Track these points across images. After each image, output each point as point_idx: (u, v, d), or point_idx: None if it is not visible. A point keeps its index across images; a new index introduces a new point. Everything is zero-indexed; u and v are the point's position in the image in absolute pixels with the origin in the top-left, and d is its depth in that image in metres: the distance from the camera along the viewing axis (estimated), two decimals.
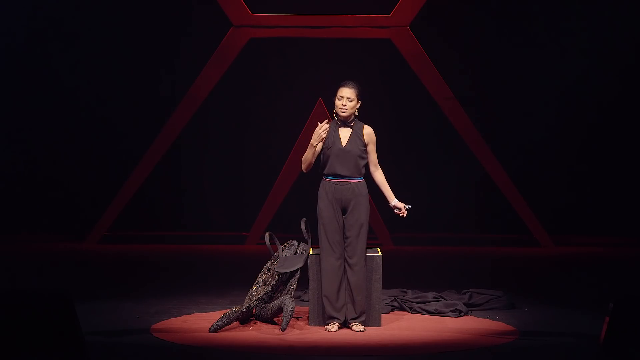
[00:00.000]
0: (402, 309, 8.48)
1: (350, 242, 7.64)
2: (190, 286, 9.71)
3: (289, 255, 7.95)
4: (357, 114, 7.73)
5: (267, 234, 8.19)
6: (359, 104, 7.72)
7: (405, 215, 7.76)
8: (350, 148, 7.64)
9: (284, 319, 7.48)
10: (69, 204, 13.73)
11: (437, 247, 13.24)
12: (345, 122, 7.71)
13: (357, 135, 7.68)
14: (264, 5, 13.29)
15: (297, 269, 7.79)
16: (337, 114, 7.71)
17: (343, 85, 7.68)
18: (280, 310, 7.67)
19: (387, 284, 8.20)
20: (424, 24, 13.23)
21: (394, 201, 7.79)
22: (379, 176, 7.80)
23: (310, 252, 7.85)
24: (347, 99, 7.65)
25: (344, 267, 7.66)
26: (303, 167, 7.77)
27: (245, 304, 7.71)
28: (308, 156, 7.69)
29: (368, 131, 7.73)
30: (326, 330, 7.62)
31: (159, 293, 9.22)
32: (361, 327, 7.64)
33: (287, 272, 7.79)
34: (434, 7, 13.26)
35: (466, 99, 13.37)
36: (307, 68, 13.57)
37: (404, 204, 7.76)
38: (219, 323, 7.51)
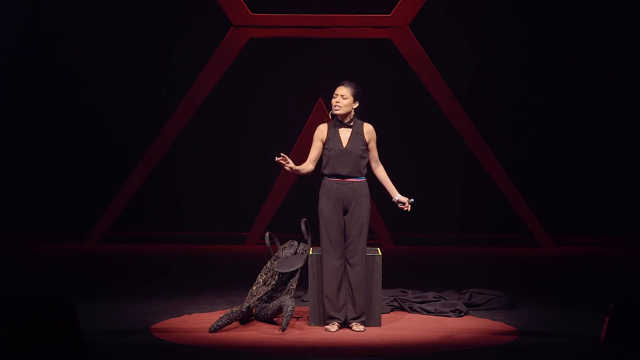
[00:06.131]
0: (402, 309, 8.48)
1: (351, 242, 7.65)
2: (190, 286, 9.71)
3: (289, 255, 7.95)
4: (354, 113, 7.75)
5: (267, 234, 8.20)
6: (356, 104, 7.73)
7: (409, 209, 7.77)
8: (351, 149, 7.66)
9: (284, 319, 7.48)
10: (69, 204, 13.73)
11: (437, 247, 13.24)
12: (345, 123, 7.72)
13: (357, 135, 7.69)
14: (264, 5, 13.30)
15: (297, 269, 7.79)
16: (333, 114, 7.74)
17: (339, 84, 7.73)
18: (280, 310, 7.68)
19: (387, 284, 8.20)
20: (424, 24, 13.23)
21: (397, 196, 7.80)
22: (380, 172, 7.82)
23: (310, 252, 7.86)
24: (341, 96, 7.69)
25: (345, 266, 7.67)
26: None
27: (245, 304, 7.71)
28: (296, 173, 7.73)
29: (368, 129, 7.74)
30: (326, 330, 7.62)
31: (159, 293, 9.22)
32: (361, 327, 7.65)
33: (287, 272, 7.79)
34: (434, 7, 13.26)
35: (465, 98, 13.37)
36: (307, 68, 13.57)
37: (408, 198, 7.78)
38: (219, 323, 7.51)
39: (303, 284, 8.10)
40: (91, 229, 13.31)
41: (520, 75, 13.68)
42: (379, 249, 8.04)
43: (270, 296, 7.81)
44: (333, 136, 7.70)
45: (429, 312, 8.35)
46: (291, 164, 7.56)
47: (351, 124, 7.74)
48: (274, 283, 7.79)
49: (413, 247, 13.19)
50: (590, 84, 13.66)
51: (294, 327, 7.68)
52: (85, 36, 13.56)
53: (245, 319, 7.79)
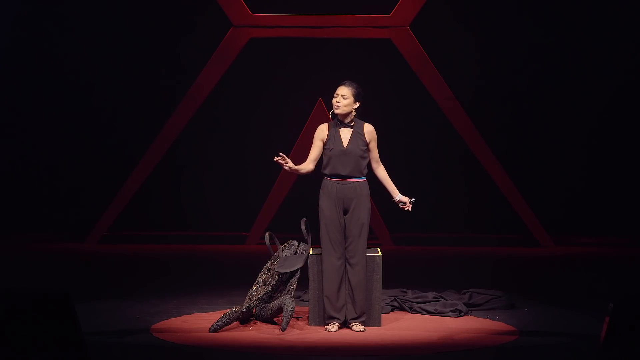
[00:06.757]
0: (402, 309, 8.48)
1: (351, 242, 7.65)
2: (191, 286, 9.71)
3: (289, 255, 7.96)
4: (354, 114, 7.75)
5: (267, 234, 8.20)
6: (357, 104, 7.73)
7: (410, 208, 7.78)
8: (352, 149, 7.66)
9: (284, 319, 7.48)
10: (69, 204, 13.73)
11: (437, 247, 13.25)
12: (345, 123, 7.73)
13: (358, 135, 7.70)
14: (264, 5, 13.30)
15: (297, 269, 7.79)
16: (333, 114, 7.75)
17: (341, 84, 7.74)
18: (280, 310, 7.68)
19: (387, 284, 8.20)
20: (424, 24, 13.23)
21: (398, 196, 7.80)
22: (381, 172, 7.82)
23: (310, 252, 7.86)
24: (341, 96, 7.70)
25: (345, 266, 7.67)
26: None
27: (245, 304, 7.71)
28: (296, 172, 7.72)
29: (369, 129, 7.75)
30: (326, 330, 7.62)
31: (159, 293, 9.22)
32: (361, 327, 7.65)
33: (287, 272, 7.79)
34: (434, 7, 13.26)
35: (465, 98, 13.37)
36: (307, 68, 13.57)
37: (409, 198, 7.78)
38: (219, 323, 7.51)
39: (303, 284, 8.10)
40: (91, 229, 13.31)
41: (520, 75, 13.67)
42: (379, 249, 8.04)
43: (270, 296, 7.81)
44: (333, 136, 7.70)
45: (429, 312, 8.35)
46: (290, 164, 7.56)
47: (352, 124, 7.74)
48: (274, 283, 7.79)
49: (413, 247, 13.19)
50: (590, 84, 13.66)
51: (294, 327, 7.68)
52: (85, 36, 13.56)
53: (245, 319, 7.79)
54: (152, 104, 13.66)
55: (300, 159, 7.93)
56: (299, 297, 8.69)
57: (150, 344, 7.14)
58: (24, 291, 5.81)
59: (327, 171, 7.72)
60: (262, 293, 7.77)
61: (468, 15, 13.65)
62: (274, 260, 7.99)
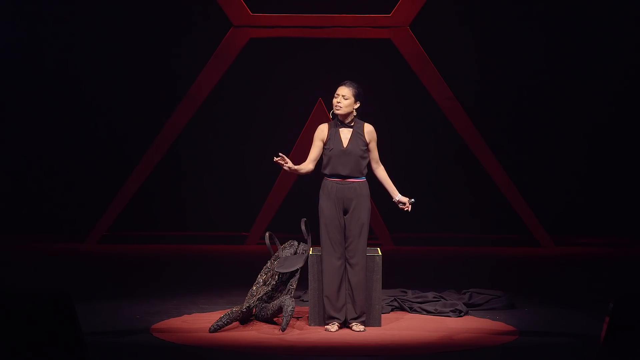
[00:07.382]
0: (402, 309, 8.48)
1: (351, 242, 7.65)
2: (191, 286, 9.71)
3: (289, 255, 7.96)
4: (355, 114, 7.75)
5: (267, 234, 8.20)
6: (358, 104, 7.73)
7: (409, 209, 7.78)
8: (352, 149, 7.66)
9: (284, 319, 7.48)
10: (69, 204, 13.72)
11: (437, 247, 13.24)
12: (345, 123, 7.73)
13: (358, 135, 7.70)
14: (264, 5, 13.30)
15: (297, 269, 7.79)
16: (333, 114, 7.75)
17: (341, 84, 7.74)
18: (280, 310, 7.68)
19: (387, 284, 8.20)
20: (424, 24, 13.23)
21: (397, 196, 7.81)
22: (381, 172, 7.82)
23: (310, 252, 7.86)
24: (342, 96, 7.70)
25: (345, 267, 7.67)
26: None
27: (245, 304, 7.71)
28: (295, 172, 7.72)
29: (369, 129, 7.75)
30: (326, 330, 7.62)
31: (159, 293, 9.22)
32: (361, 327, 7.65)
33: (287, 272, 7.79)
34: (434, 7, 13.26)
35: (466, 98, 13.37)
36: (307, 68, 13.57)
37: (408, 198, 7.78)
38: (219, 323, 7.51)
39: (303, 284, 8.10)
40: (91, 229, 13.31)
41: (520, 75, 13.67)
42: (379, 249, 8.04)
43: (270, 296, 7.81)
44: (333, 136, 7.71)
45: (429, 312, 8.35)
46: (290, 164, 7.56)
47: (352, 124, 7.74)
48: (274, 283, 7.79)
49: (413, 247, 13.19)
50: (590, 84, 13.65)
51: (294, 327, 7.68)
52: (85, 36, 13.55)
53: (245, 319, 7.79)
54: (152, 104, 13.66)
55: (300, 159, 7.93)
56: (299, 297, 8.69)
57: (150, 344, 7.14)
58: (24, 291, 5.80)
59: (327, 171, 7.72)
60: (262, 293, 7.77)
61: (468, 15, 13.64)
62: (274, 260, 7.99)
